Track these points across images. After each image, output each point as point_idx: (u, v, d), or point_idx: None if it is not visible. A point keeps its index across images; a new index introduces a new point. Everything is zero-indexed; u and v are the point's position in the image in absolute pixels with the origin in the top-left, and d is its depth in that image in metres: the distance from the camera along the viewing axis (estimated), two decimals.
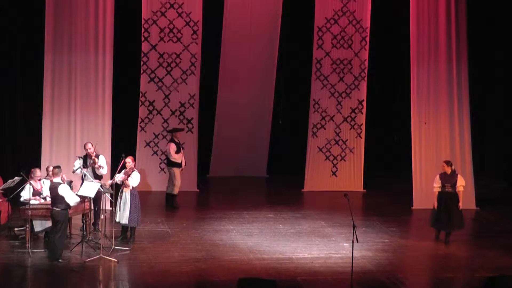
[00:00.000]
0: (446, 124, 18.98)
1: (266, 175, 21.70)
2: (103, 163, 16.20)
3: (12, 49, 19.20)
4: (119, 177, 15.18)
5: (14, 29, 19.06)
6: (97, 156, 16.15)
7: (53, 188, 14.33)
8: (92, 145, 16.19)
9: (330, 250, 15.32)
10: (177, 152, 18.20)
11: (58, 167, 14.60)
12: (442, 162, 16.26)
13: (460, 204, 15.82)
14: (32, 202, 14.79)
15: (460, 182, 15.88)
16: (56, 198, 14.23)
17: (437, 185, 15.94)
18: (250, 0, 20.41)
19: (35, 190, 15.08)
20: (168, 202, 18.37)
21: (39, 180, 15.35)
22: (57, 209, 14.21)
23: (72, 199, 14.27)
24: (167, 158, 18.38)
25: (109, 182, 15.37)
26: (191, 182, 19.77)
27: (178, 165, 18.26)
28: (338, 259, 14.76)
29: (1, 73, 19.18)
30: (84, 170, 15.82)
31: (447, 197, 15.83)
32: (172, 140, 18.32)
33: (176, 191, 18.27)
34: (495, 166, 22.25)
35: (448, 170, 15.89)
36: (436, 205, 15.92)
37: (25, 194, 14.97)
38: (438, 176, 16.01)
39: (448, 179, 15.87)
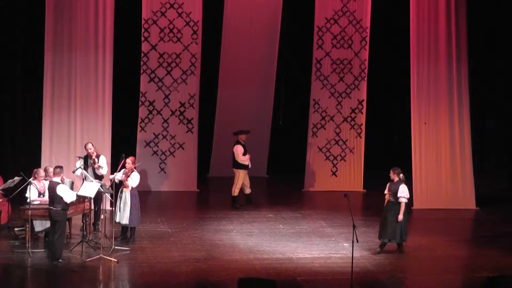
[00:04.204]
0: (446, 124, 18.97)
1: (266, 175, 21.70)
2: (104, 163, 16.21)
3: (12, 49, 19.19)
4: (118, 177, 15.17)
5: (14, 29, 19.06)
6: (97, 156, 16.15)
7: (51, 188, 14.33)
8: (93, 145, 16.21)
9: (330, 250, 15.32)
10: (244, 154, 18.24)
11: (60, 167, 14.61)
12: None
13: (399, 216, 14.90)
14: (35, 202, 14.81)
15: (400, 193, 14.86)
16: (54, 197, 14.22)
17: (386, 192, 15.22)
18: (250, 0, 20.42)
19: (38, 190, 15.08)
20: (249, 201, 18.49)
21: (42, 180, 15.32)
22: (55, 208, 14.21)
23: (69, 196, 14.23)
24: (234, 160, 18.35)
25: (112, 176, 15.35)
26: (191, 182, 19.79)
27: (245, 166, 18.30)
28: (338, 259, 14.76)
29: (1, 73, 19.17)
30: (84, 171, 15.81)
31: (387, 206, 15.13)
32: (238, 142, 18.32)
33: (236, 192, 18.33)
34: (495, 166, 22.25)
35: (394, 178, 15.07)
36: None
37: (32, 194, 14.95)
38: (388, 183, 15.29)
39: (392, 187, 15.09)
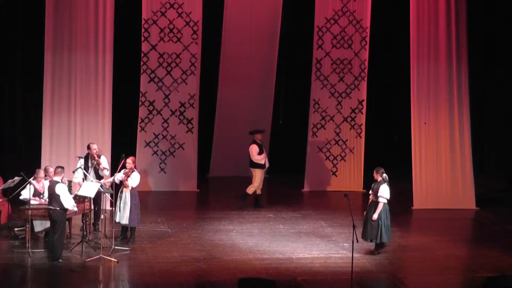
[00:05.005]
0: (446, 124, 18.97)
1: (266, 175, 21.66)
2: (105, 164, 16.20)
3: (12, 49, 19.18)
4: (118, 177, 15.19)
5: (14, 29, 19.05)
6: (98, 157, 16.13)
7: (51, 187, 14.33)
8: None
9: (330, 250, 15.33)
10: (260, 153, 18.26)
11: (61, 167, 14.63)
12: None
13: (373, 215, 14.78)
14: (32, 202, 14.78)
15: (380, 193, 14.83)
16: (53, 196, 14.22)
17: (370, 192, 15.22)
18: (250, 0, 20.41)
19: (36, 190, 15.07)
20: (257, 202, 18.47)
21: (43, 180, 15.31)
22: (54, 208, 14.21)
23: (67, 201, 14.21)
24: (250, 160, 18.36)
25: (108, 180, 15.38)
26: (191, 182, 19.78)
27: (261, 166, 18.33)
28: (338, 259, 14.77)
29: (1, 73, 19.17)
30: (84, 171, 15.80)
31: (369, 206, 15.09)
32: (254, 142, 18.34)
33: (251, 191, 18.29)
34: (495, 166, 22.24)
35: (378, 178, 15.06)
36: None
37: (25, 193, 14.94)
38: (373, 183, 15.23)
39: (374, 187, 15.07)
